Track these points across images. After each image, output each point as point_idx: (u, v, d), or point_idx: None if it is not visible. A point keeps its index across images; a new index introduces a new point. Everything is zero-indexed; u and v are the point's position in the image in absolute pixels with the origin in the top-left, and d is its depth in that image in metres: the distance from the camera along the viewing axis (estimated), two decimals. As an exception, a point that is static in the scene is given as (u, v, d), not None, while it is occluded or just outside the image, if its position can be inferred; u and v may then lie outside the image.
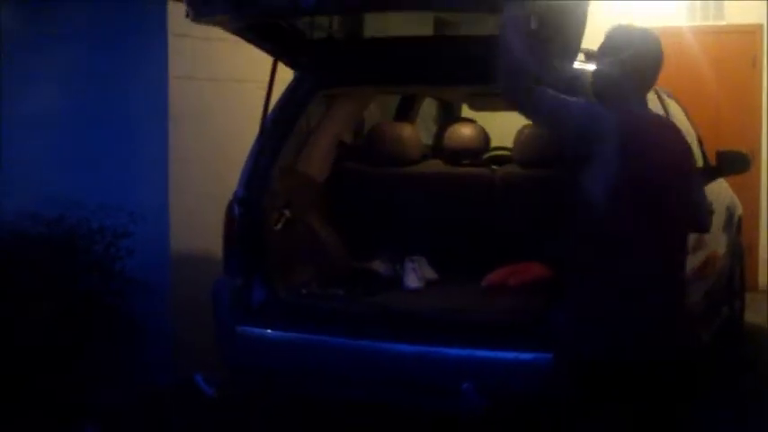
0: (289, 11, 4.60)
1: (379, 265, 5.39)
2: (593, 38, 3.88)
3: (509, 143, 5.78)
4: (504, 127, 5.91)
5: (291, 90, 5.12)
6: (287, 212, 5.09)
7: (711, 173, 6.44)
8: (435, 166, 5.88)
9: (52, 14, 6.15)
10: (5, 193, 6.06)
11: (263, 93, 4.87)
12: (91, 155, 6.04)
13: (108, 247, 5.57)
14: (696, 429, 4.09)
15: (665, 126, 3.71)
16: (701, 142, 6.71)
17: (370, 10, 5.02)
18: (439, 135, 6.25)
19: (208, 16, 4.49)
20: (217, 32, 4.91)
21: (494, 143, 6.09)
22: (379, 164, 5.78)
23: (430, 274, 5.31)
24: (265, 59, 4.94)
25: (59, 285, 5.33)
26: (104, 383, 5.36)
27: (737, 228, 7.10)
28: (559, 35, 4.25)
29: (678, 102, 6.72)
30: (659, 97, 6.18)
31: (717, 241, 6.40)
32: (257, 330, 4.73)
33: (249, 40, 4.86)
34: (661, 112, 6.09)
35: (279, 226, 5.03)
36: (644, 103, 3.59)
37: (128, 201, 5.73)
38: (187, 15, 4.42)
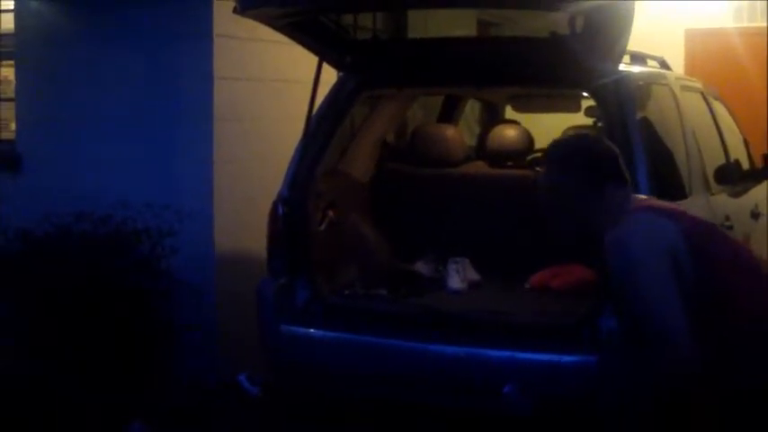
0: (334, 3, 4.59)
1: (422, 266, 5.39)
2: (639, 39, 3.86)
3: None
4: (549, 128, 5.88)
5: (336, 91, 5.13)
6: (331, 213, 5.11)
7: (758, 175, 6.39)
8: (479, 167, 5.87)
9: (98, 16, 6.20)
10: (52, 192, 6.12)
11: (308, 93, 4.88)
12: (137, 155, 6.08)
13: (154, 246, 5.61)
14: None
15: None
16: (747, 144, 6.64)
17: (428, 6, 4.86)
18: (482, 136, 6.24)
19: (255, 8, 4.50)
20: (262, 33, 4.93)
21: (538, 145, 6.07)
22: (423, 165, 5.78)
23: (473, 275, 5.30)
24: (310, 60, 4.95)
25: (105, 284, 5.37)
26: (151, 382, 5.40)
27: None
28: (605, 36, 4.24)
29: (724, 103, 6.67)
30: (705, 99, 6.14)
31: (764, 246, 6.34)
32: (301, 330, 4.75)
33: (295, 39, 4.87)
34: (707, 113, 6.06)
35: (323, 226, 5.04)
36: None
37: (173, 200, 5.76)
38: (235, 10, 4.43)
